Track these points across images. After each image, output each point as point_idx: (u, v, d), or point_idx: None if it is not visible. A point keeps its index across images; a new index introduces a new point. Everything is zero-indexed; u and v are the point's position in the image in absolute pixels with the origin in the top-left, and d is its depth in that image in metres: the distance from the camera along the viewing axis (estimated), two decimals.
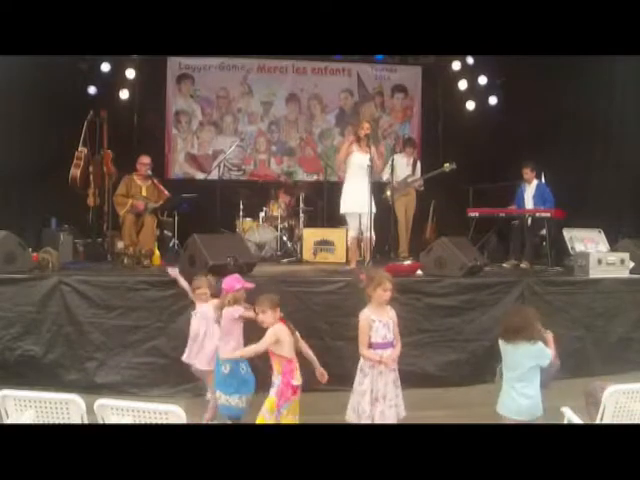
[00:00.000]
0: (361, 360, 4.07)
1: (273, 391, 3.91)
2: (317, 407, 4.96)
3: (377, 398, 3.96)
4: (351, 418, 4.04)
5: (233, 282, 4.39)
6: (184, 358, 4.76)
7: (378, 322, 4.00)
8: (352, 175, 6.80)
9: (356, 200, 6.67)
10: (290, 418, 3.87)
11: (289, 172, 10.52)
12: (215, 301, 4.54)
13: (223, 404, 4.29)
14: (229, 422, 4.29)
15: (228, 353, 4.26)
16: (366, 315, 4.03)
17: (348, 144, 6.88)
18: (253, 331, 4.25)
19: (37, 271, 5.96)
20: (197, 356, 4.65)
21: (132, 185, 7.63)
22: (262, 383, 4.25)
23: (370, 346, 3.99)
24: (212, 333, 4.55)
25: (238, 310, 4.31)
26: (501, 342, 3.68)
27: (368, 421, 3.93)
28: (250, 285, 4.46)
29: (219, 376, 4.32)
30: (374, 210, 6.89)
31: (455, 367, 5.37)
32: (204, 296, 4.70)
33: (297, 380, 3.92)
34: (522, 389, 3.54)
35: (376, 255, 7.23)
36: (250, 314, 4.21)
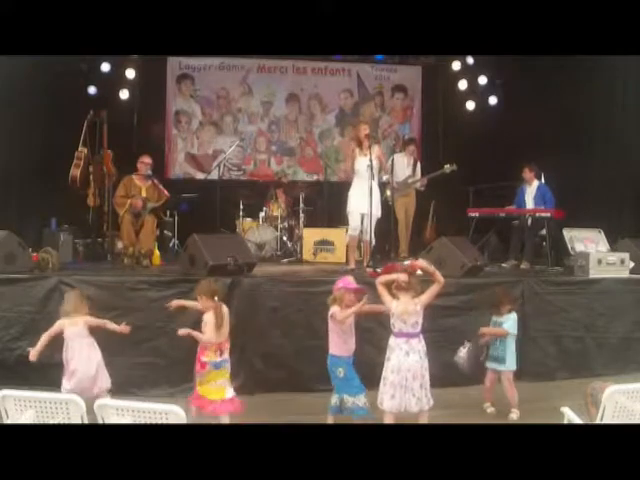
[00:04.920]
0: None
1: None
2: (316, 407, 4.96)
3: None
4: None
5: (338, 282, 4.51)
6: None
7: None
8: (359, 178, 6.87)
9: (361, 200, 6.72)
10: (205, 387, 4.24)
11: (282, 171, 10.49)
12: None
13: (351, 407, 4.28)
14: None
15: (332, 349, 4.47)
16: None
17: (351, 151, 7.00)
18: None
19: (37, 271, 5.96)
20: None
21: (132, 186, 7.58)
22: None
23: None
24: None
25: (332, 310, 4.41)
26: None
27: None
28: (352, 286, 4.44)
29: (337, 381, 4.37)
30: (379, 214, 6.93)
31: (455, 367, 5.37)
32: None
33: (206, 357, 4.25)
34: None
35: (376, 255, 7.22)
36: (345, 312, 4.34)
